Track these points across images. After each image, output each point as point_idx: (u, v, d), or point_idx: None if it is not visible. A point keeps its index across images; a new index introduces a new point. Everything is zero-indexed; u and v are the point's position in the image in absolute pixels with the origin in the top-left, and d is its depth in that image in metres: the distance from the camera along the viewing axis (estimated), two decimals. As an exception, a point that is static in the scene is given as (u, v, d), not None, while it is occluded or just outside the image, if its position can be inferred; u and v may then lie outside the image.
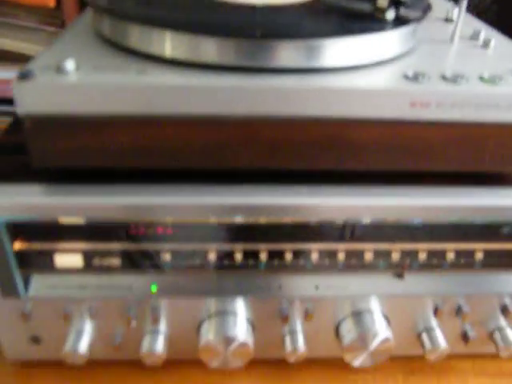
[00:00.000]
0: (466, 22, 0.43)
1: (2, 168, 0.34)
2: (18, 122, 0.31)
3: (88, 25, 0.38)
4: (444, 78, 0.31)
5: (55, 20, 0.73)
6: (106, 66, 0.31)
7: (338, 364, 0.40)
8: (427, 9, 0.37)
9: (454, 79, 0.31)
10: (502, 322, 0.39)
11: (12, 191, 0.32)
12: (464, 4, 0.37)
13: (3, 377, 0.39)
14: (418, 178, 0.34)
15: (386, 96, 0.30)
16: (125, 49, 0.33)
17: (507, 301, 0.38)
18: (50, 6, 0.69)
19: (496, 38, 0.39)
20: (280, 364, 0.40)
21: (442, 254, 0.36)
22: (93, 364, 0.39)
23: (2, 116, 0.58)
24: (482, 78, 0.32)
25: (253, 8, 0.36)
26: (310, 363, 0.40)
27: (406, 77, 0.31)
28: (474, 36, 0.39)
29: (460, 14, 0.37)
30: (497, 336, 0.39)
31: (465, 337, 0.39)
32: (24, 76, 0.29)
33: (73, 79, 0.29)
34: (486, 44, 0.38)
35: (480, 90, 0.31)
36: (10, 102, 0.33)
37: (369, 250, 0.35)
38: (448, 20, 0.45)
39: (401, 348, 0.40)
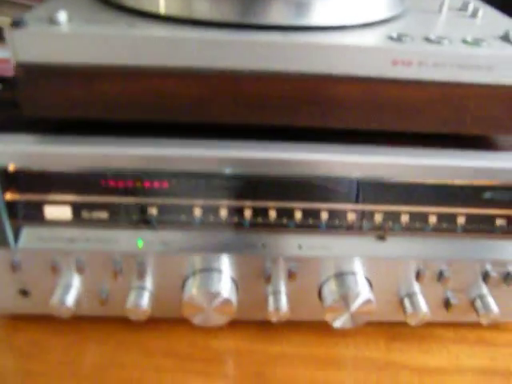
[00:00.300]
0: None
1: (-5, 120, 0.35)
2: (10, 80, 0.32)
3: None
4: (427, 39, 0.32)
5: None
6: (97, 19, 0.32)
7: (320, 327, 0.40)
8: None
9: (437, 41, 0.32)
10: (484, 289, 0.40)
11: (4, 140, 0.33)
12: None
13: (-8, 329, 0.40)
14: (401, 137, 0.34)
15: (368, 53, 0.31)
16: (117, 6, 0.34)
17: (488, 267, 0.38)
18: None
19: (484, 9, 0.40)
20: (263, 325, 0.40)
21: (424, 218, 0.37)
22: (80, 319, 0.40)
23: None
24: (464, 41, 0.32)
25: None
26: (293, 326, 0.41)
27: (391, 37, 0.32)
28: (463, 7, 0.40)
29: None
30: (478, 303, 0.40)
31: (447, 304, 0.40)
32: (17, 24, 0.30)
33: (64, 29, 0.30)
34: (473, 14, 0.39)
35: (462, 50, 0.31)
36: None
37: (351, 210, 0.36)
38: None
39: (383, 313, 0.40)
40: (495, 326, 0.43)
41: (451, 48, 0.31)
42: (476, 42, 0.32)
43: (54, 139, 0.33)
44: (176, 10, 0.32)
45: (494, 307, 0.39)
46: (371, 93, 0.32)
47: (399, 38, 0.32)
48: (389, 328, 0.42)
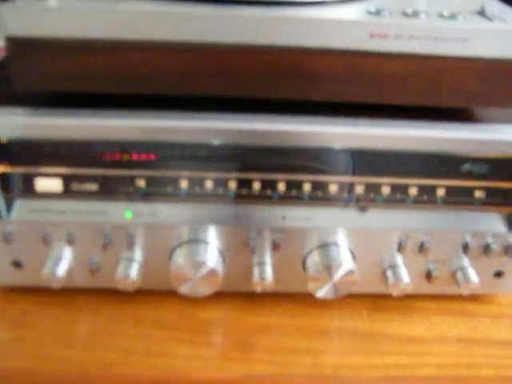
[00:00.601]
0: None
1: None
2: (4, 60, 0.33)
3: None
4: (405, 13, 0.33)
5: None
6: (85, -5, 0.33)
7: (305, 299, 0.42)
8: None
9: (414, 14, 0.33)
10: (464, 261, 0.41)
11: (-5, 112, 0.34)
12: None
13: (-15, 301, 0.41)
14: (381, 110, 0.35)
15: (346, 27, 0.32)
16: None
17: (468, 239, 0.39)
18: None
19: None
20: (250, 297, 0.42)
21: (404, 189, 0.38)
22: (71, 291, 0.41)
23: None
24: (441, 15, 0.33)
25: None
26: (278, 297, 0.42)
27: (369, 12, 0.33)
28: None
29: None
30: (459, 275, 0.41)
31: (428, 275, 0.41)
32: (6, -1, 0.31)
33: (52, 3, 0.31)
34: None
35: (437, 23, 0.32)
36: None
37: (333, 182, 0.37)
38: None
39: (367, 285, 0.41)
40: (476, 299, 0.44)
41: (426, 21, 0.32)
42: (452, 16, 0.33)
43: (45, 112, 0.34)
44: (161, -14, 0.33)
45: (474, 278, 0.40)
46: (349, 65, 0.33)
47: (377, 13, 0.33)
48: (372, 300, 0.43)
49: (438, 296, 0.43)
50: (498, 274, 0.42)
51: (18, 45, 0.32)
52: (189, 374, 0.36)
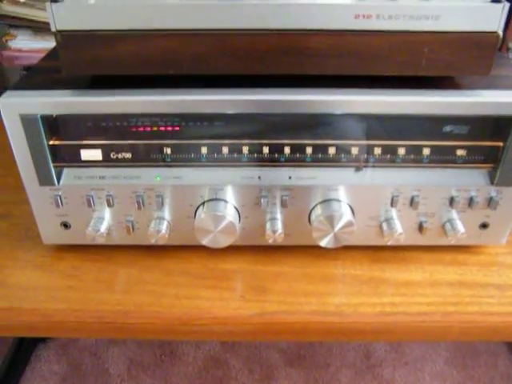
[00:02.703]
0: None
1: (40, 80, 0.44)
2: (52, 53, 0.40)
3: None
4: (385, -4, 0.39)
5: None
6: (118, -7, 0.40)
7: (313, 252, 0.48)
8: None
9: (390, -4, 0.39)
10: (452, 214, 0.46)
11: (47, 94, 0.41)
12: None
13: (40, 257, 0.48)
14: (373, 81, 0.41)
15: (334, 10, 0.38)
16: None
17: (454, 193, 0.45)
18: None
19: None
20: (264, 251, 0.48)
21: (393, 150, 0.43)
22: (111, 248, 0.48)
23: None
24: (416, -4, 0.39)
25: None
26: (288, 250, 0.48)
27: (356, -3, 0.39)
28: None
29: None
30: (447, 226, 0.46)
31: (420, 227, 0.47)
32: (55, 0, 0.38)
33: (92, 1, 0.38)
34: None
35: (412, 3, 0.38)
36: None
37: (331, 145, 0.43)
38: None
39: (365, 238, 0.47)
40: (467, 250, 0.49)
41: (403, 2, 0.38)
42: (421, -3, 0.39)
43: (87, 92, 0.41)
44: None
45: (460, 228, 0.45)
46: (339, 43, 0.39)
47: (362, -3, 0.39)
48: (373, 253, 0.49)
49: (432, 248, 0.49)
50: (484, 226, 0.47)
51: (64, 37, 0.39)
52: (211, 312, 0.43)
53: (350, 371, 0.93)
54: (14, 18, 0.93)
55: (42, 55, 0.75)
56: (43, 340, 1.03)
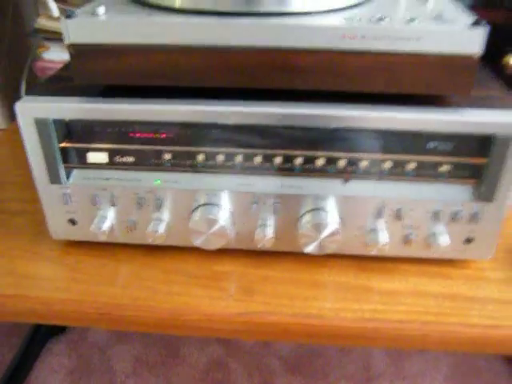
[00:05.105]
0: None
1: (55, 87, 0.48)
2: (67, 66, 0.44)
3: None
4: (371, 19, 0.42)
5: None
6: (126, 11, 0.44)
7: (301, 258, 0.50)
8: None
9: (380, 19, 0.41)
10: (437, 227, 0.48)
11: (59, 100, 0.45)
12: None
13: (49, 251, 0.52)
14: (360, 97, 0.43)
15: (323, 30, 0.41)
16: (143, 3, 0.46)
17: (438, 207, 0.46)
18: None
19: (437, -1, 0.48)
20: (256, 255, 0.51)
21: (380, 164, 0.46)
22: (113, 246, 0.51)
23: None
24: (402, 20, 0.42)
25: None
26: (278, 256, 0.50)
27: (345, 19, 0.42)
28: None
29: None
30: (432, 239, 0.48)
31: (406, 239, 0.48)
32: (69, 16, 0.42)
33: (102, 18, 0.42)
34: (425, 0, 0.47)
35: (395, 25, 0.41)
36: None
37: (320, 156, 0.46)
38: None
39: (352, 247, 0.49)
40: (454, 264, 0.50)
41: (387, 24, 0.41)
42: (411, 20, 0.41)
43: (96, 100, 0.45)
44: (185, 4, 0.43)
45: (444, 242, 0.47)
46: (327, 61, 0.42)
47: (350, 19, 0.42)
48: (360, 262, 0.51)
49: (419, 260, 0.50)
50: (468, 240, 0.48)
51: (77, 49, 0.43)
52: (201, 309, 0.46)
53: (349, 383, 0.94)
54: (48, 31, 0.99)
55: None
56: (56, 334, 1.08)
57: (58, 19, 0.98)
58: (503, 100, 0.46)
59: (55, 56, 1.02)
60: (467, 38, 0.40)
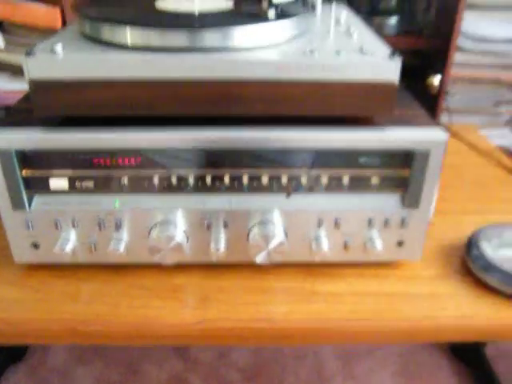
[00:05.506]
0: (349, 21, 0.60)
1: (16, 119, 0.51)
2: (27, 96, 0.48)
3: (76, 28, 0.55)
4: (304, 52, 0.47)
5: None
6: (82, 49, 0.48)
7: (252, 268, 0.55)
8: (307, 10, 0.53)
9: (311, 52, 0.47)
10: (371, 233, 0.53)
11: (21, 131, 0.48)
12: (333, 7, 0.53)
13: (11, 275, 0.54)
14: (300, 121, 0.49)
15: (263, 63, 0.46)
16: (97, 40, 0.50)
17: (371, 215, 0.52)
18: (59, 28, 0.88)
19: (361, 31, 0.55)
20: (209, 268, 0.55)
21: (318, 179, 0.51)
22: (75, 267, 0.54)
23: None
24: (330, 52, 0.48)
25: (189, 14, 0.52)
26: (231, 267, 0.55)
27: (279, 53, 0.48)
28: (347, 30, 0.56)
29: (331, 14, 0.53)
30: (368, 244, 0.53)
31: (345, 245, 0.54)
32: (29, 54, 0.46)
33: (60, 56, 0.46)
34: (351, 34, 0.54)
35: (324, 58, 0.46)
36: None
37: (265, 174, 0.51)
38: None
39: (298, 254, 0.54)
40: (387, 265, 0.56)
41: (317, 57, 0.47)
42: (337, 53, 0.47)
43: (56, 130, 0.48)
44: (136, 41, 0.48)
45: (378, 246, 0.53)
46: (266, 90, 0.47)
47: (284, 54, 0.47)
48: (305, 269, 0.56)
49: (358, 264, 0.56)
50: (400, 244, 0.54)
51: (37, 84, 0.46)
52: (160, 320, 0.49)
53: (303, 386, 0.99)
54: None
55: (20, 96, 0.82)
56: (13, 362, 1.07)
57: (2, 50, 1.00)
58: (420, 118, 0.53)
59: (1, 86, 1.04)
60: (386, 67, 0.47)
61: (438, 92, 1.03)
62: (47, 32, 0.92)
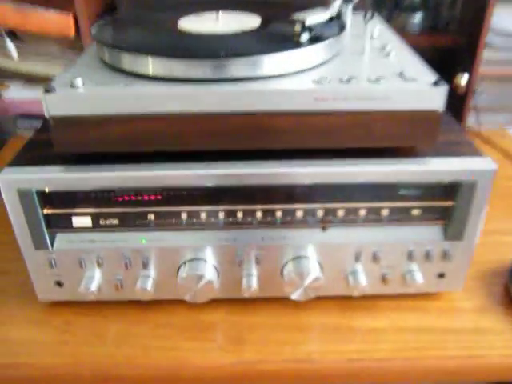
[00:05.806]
0: (383, 36, 0.56)
1: (35, 156, 0.48)
2: (45, 125, 0.45)
3: (94, 53, 0.52)
4: (341, 80, 0.44)
5: (76, 46, 0.89)
6: (103, 81, 0.45)
7: (286, 303, 0.52)
8: (340, 29, 0.50)
9: (348, 80, 0.44)
10: (411, 266, 0.51)
11: (41, 171, 0.46)
12: (368, 26, 0.50)
13: (35, 312, 0.52)
14: (333, 153, 0.46)
15: (297, 94, 0.43)
16: (119, 70, 0.47)
17: (411, 247, 0.49)
18: (72, 36, 0.85)
19: (398, 49, 0.51)
20: (241, 303, 0.52)
21: (356, 212, 0.48)
22: (101, 304, 0.52)
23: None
24: (369, 79, 0.44)
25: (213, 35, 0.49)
26: (263, 302, 0.52)
27: (315, 81, 0.44)
28: (382, 48, 0.52)
29: (366, 32, 0.50)
30: (407, 277, 0.51)
31: (383, 278, 0.51)
32: (48, 90, 0.43)
33: (80, 91, 0.43)
34: (387, 54, 0.50)
35: (364, 87, 0.43)
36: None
37: (299, 209, 0.48)
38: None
39: (334, 289, 0.52)
40: (427, 297, 0.54)
41: (356, 86, 0.43)
42: (377, 80, 0.44)
43: (77, 168, 0.46)
44: (159, 72, 0.45)
45: (419, 279, 0.50)
46: (302, 122, 0.44)
47: (319, 81, 0.44)
48: (341, 302, 0.53)
49: (395, 296, 0.53)
50: (441, 275, 0.52)
51: (57, 121, 0.44)
52: (193, 362, 0.47)
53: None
54: (6, 71, 0.98)
55: (33, 105, 0.79)
56: None
57: (16, 60, 0.97)
58: (463, 146, 0.49)
59: (15, 94, 1.01)
60: (430, 96, 0.43)
61: (465, 92, 0.98)
62: (60, 40, 0.89)
